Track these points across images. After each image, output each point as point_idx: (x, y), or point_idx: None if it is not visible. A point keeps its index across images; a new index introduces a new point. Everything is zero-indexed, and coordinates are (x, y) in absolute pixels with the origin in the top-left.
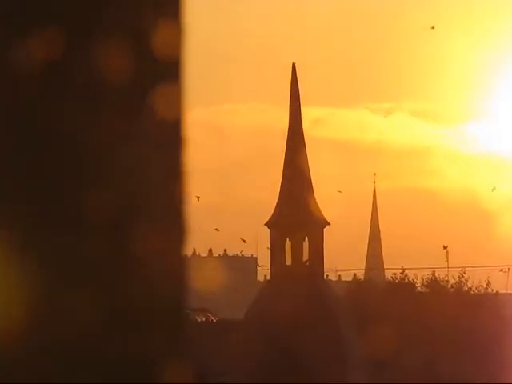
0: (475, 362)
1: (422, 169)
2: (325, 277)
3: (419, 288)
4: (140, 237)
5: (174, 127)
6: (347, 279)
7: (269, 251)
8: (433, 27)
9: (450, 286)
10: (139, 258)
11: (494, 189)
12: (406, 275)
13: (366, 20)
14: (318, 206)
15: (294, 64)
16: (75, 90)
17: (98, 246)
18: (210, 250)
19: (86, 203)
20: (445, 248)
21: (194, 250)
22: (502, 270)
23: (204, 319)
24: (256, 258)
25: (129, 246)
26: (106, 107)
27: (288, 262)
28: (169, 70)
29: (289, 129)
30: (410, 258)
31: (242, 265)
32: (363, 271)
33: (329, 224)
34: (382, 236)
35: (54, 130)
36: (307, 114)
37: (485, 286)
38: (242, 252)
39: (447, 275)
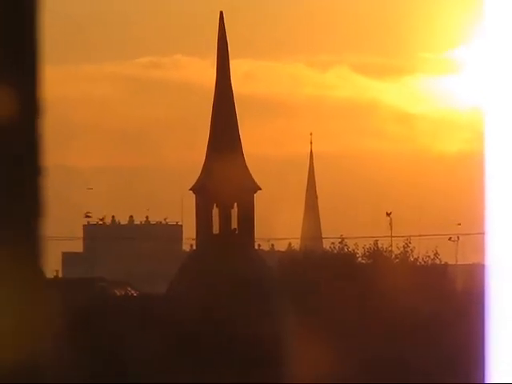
0: (417, 346)
1: (363, 129)
2: (256, 246)
3: (360, 259)
4: None
5: (29, 94)
6: (281, 249)
7: (195, 219)
8: None
9: (394, 256)
10: None
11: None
12: (345, 245)
13: None
14: (248, 169)
15: (221, 13)
16: None
17: None
18: (131, 217)
19: None
20: (388, 215)
21: (113, 217)
22: (450, 239)
23: (123, 293)
24: (181, 226)
25: None
26: None
27: (215, 230)
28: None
29: (216, 84)
30: (350, 227)
31: (166, 233)
32: (299, 240)
33: (260, 189)
34: (319, 202)
35: None
36: (236, 67)
37: (432, 256)
38: (165, 219)
39: (391, 245)
